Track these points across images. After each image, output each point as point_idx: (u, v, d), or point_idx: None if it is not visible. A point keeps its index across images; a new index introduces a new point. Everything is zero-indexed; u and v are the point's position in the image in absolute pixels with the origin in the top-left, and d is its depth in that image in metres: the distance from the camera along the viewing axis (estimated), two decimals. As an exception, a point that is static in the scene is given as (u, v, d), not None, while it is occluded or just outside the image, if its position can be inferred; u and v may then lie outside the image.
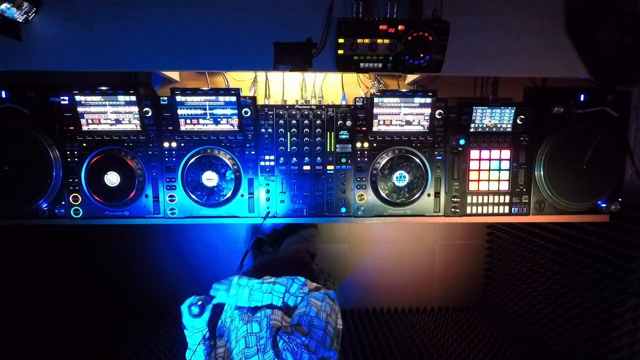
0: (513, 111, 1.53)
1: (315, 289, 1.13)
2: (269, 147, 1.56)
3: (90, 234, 2.49)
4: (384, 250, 2.67)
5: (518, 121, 1.55)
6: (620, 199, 1.57)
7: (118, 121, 1.50)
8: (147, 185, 1.54)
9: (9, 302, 2.16)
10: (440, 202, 1.59)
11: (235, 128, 1.52)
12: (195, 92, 1.46)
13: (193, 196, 1.52)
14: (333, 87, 1.85)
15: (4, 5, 1.15)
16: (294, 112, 1.56)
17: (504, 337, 2.30)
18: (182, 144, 1.53)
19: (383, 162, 1.53)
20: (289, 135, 1.56)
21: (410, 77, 1.74)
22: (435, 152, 1.57)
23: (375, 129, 1.54)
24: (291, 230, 2.43)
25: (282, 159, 1.57)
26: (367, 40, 1.27)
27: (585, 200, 1.57)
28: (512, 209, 1.61)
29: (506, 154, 1.58)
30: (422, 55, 1.28)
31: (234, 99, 1.48)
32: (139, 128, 1.51)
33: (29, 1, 1.21)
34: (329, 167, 1.58)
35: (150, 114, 1.50)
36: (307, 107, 1.56)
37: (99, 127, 1.50)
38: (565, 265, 1.92)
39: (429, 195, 1.58)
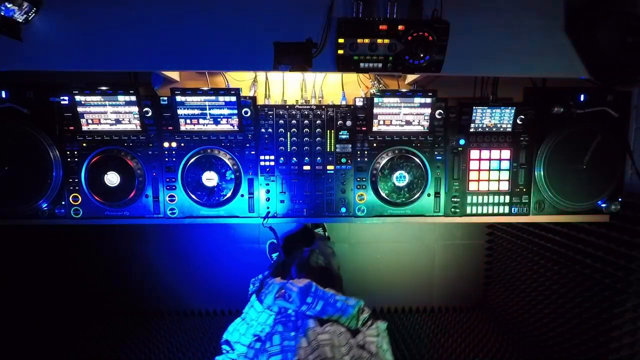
0: (513, 111, 1.53)
1: (372, 316, 1.18)
2: (269, 147, 1.56)
3: (90, 234, 2.49)
4: (384, 250, 2.67)
5: (518, 121, 1.55)
6: (620, 199, 1.57)
7: (118, 121, 1.50)
8: (147, 185, 1.54)
9: (9, 302, 2.16)
10: (440, 202, 1.59)
11: (235, 128, 1.52)
12: (195, 92, 1.46)
13: (193, 196, 1.52)
14: (333, 87, 1.85)
15: (4, 5, 1.15)
16: (294, 112, 1.56)
17: (504, 337, 2.30)
18: (182, 144, 1.53)
19: (383, 162, 1.53)
20: (289, 135, 1.56)
21: (410, 77, 1.74)
22: (435, 152, 1.57)
23: (375, 129, 1.54)
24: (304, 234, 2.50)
25: (282, 159, 1.57)
26: (367, 40, 1.27)
27: (585, 200, 1.57)
28: (512, 209, 1.61)
29: (506, 154, 1.58)
30: (422, 55, 1.28)
31: (234, 99, 1.48)
32: (139, 128, 1.51)
33: (29, 1, 1.20)
34: (329, 167, 1.58)
35: (150, 114, 1.50)
36: (307, 107, 1.56)
37: (99, 127, 1.50)
38: (565, 265, 1.92)
39: (429, 195, 1.58)
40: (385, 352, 1.06)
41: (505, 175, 1.59)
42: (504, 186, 1.60)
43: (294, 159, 1.57)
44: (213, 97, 1.47)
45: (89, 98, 1.46)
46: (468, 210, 1.61)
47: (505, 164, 1.59)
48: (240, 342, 1.12)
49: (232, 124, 1.52)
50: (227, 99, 1.48)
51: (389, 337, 1.13)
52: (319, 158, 1.58)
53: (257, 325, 1.13)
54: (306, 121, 1.56)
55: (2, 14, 1.17)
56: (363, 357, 0.97)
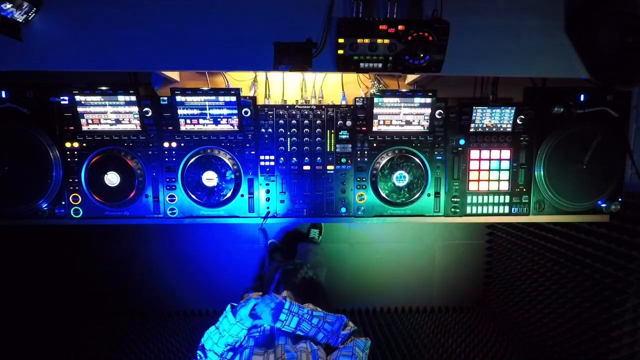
0: (513, 111, 1.53)
1: (356, 333, 1.15)
2: (269, 147, 1.56)
3: (90, 234, 2.49)
4: (384, 250, 2.67)
5: (518, 121, 1.55)
6: (620, 199, 1.57)
7: (118, 121, 1.50)
8: (147, 185, 1.54)
9: (9, 302, 2.16)
10: (440, 202, 1.59)
11: (235, 128, 1.52)
12: (195, 92, 1.46)
13: (193, 196, 1.52)
14: (333, 87, 1.85)
15: (4, 5, 1.15)
16: (294, 112, 1.56)
17: (504, 337, 2.30)
18: (182, 144, 1.53)
19: (383, 162, 1.53)
20: (288, 135, 1.56)
21: (410, 77, 1.74)
22: (435, 152, 1.57)
23: (375, 129, 1.54)
24: (300, 234, 2.49)
25: (282, 159, 1.57)
26: (367, 40, 1.27)
27: (585, 200, 1.57)
28: (512, 209, 1.61)
29: (506, 154, 1.58)
30: (422, 55, 1.28)
31: (234, 99, 1.48)
32: (139, 128, 1.51)
33: (29, 1, 1.20)
34: (329, 167, 1.58)
35: (150, 114, 1.50)
36: (307, 107, 1.56)
37: (99, 127, 1.50)
38: (565, 265, 1.92)
39: (429, 195, 1.58)
40: None
41: (505, 175, 1.59)
42: (504, 186, 1.60)
43: (294, 159, 1.57)
44: (213, 97, 1.47)
45: (89, 98, 1.46)
46: (468, 210, 1.61)
47: (505, 164, 1.59)
48: (213, 350, 1.13)
49: (232, 124, 1.52)
50: (227, 99, 1.48)
51: (367, 356, 1.10)
52: (319, 158, 1.57)
53: (228, 337, 1.13)
54: (306, 121, 1.56)
55: (2, 14, 1.17)
56: None
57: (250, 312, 1.15)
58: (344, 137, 1.56)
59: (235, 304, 1.19)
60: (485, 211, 1.61)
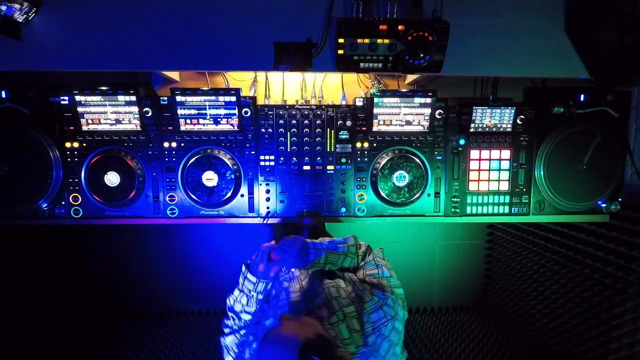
0: (513, 111, 1.53)
1: (368, 247, 1.29)
2: (269, 147, 1.56)
3: (90, 234, 2.49)
4: (384, 250, 2.66)
5: (518, 121, 1.55)
6: (620, 199, 1.57)
7: (118, 121, 1.50)
8: (147, 185, 1.54)
9: (9, 302, 2.16)
10: (440, 202, 1.59)
11: (235, 128, 1.52)
12: (195, 92, 1.46)
13: (193, 196, 1.52)
14: (333, 87, 1.85)
15: (4, 5, 1.15)
16: (294, 112, 1.56)
17: (504, 337, 2.30)
18: (182, 144, 1.53)
19: (383, 162, 1.53)
20: (289, 135, 1.56)
21: (410, 77, 1.74)
22: (435, 152, 1.57)
23: (375, 129, 1.54)
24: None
25: (282, 158, 1.57)
26: (367, 40, 1.27)
27: (585, 200, 1.57)
28: (512, 209, 1.61)
29: (506, 154, 1.58)
30: (422, 55, 1.28)
31: (234, 99, 1.48)
32: (139, 128, 1.51)
33: (29, 1, 1.20)
34: (329, 167, 1.58)
35: (150, 114, 1.50)
36: (307, 107, 1.56)
37: (99, 127, 1.50)
38: (565, 265, 1.92)
39: (429, 195, 1.58)
40: (387, 279, 1.15)
41: (505, 175, 1.59)
42: (504, 186, 1.60)
43: (294, 158, 1.57)
44: (213, 97, 1.47)
45: (89, 98, 1.46)
46: (468, 210, 1.61)
47: (505, 164, 1.59)
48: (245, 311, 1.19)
49: (232, 124, 1.52)
50: (227, 99, 1.48)
51: (388, 261, 1.23)
52: (319, 158, 1.57)
53: (257, 296, 1.18)
54: (306, 121, 1.56)
55: (2, 13, 1.17)
56: (366, 289, 1.06)
57: (268, 261, 1.17)
58: (344, 137, 1.56)
59: (249, 262, 1.21)
60: (485, 211, 1.61)
